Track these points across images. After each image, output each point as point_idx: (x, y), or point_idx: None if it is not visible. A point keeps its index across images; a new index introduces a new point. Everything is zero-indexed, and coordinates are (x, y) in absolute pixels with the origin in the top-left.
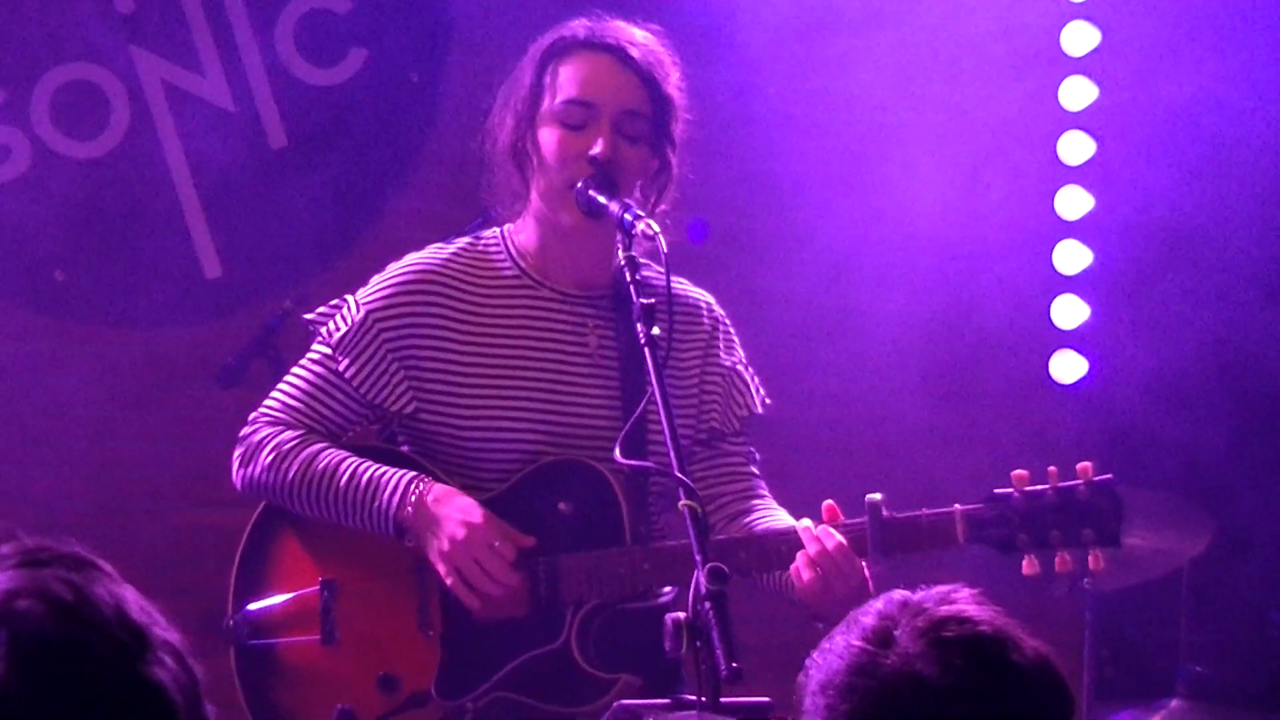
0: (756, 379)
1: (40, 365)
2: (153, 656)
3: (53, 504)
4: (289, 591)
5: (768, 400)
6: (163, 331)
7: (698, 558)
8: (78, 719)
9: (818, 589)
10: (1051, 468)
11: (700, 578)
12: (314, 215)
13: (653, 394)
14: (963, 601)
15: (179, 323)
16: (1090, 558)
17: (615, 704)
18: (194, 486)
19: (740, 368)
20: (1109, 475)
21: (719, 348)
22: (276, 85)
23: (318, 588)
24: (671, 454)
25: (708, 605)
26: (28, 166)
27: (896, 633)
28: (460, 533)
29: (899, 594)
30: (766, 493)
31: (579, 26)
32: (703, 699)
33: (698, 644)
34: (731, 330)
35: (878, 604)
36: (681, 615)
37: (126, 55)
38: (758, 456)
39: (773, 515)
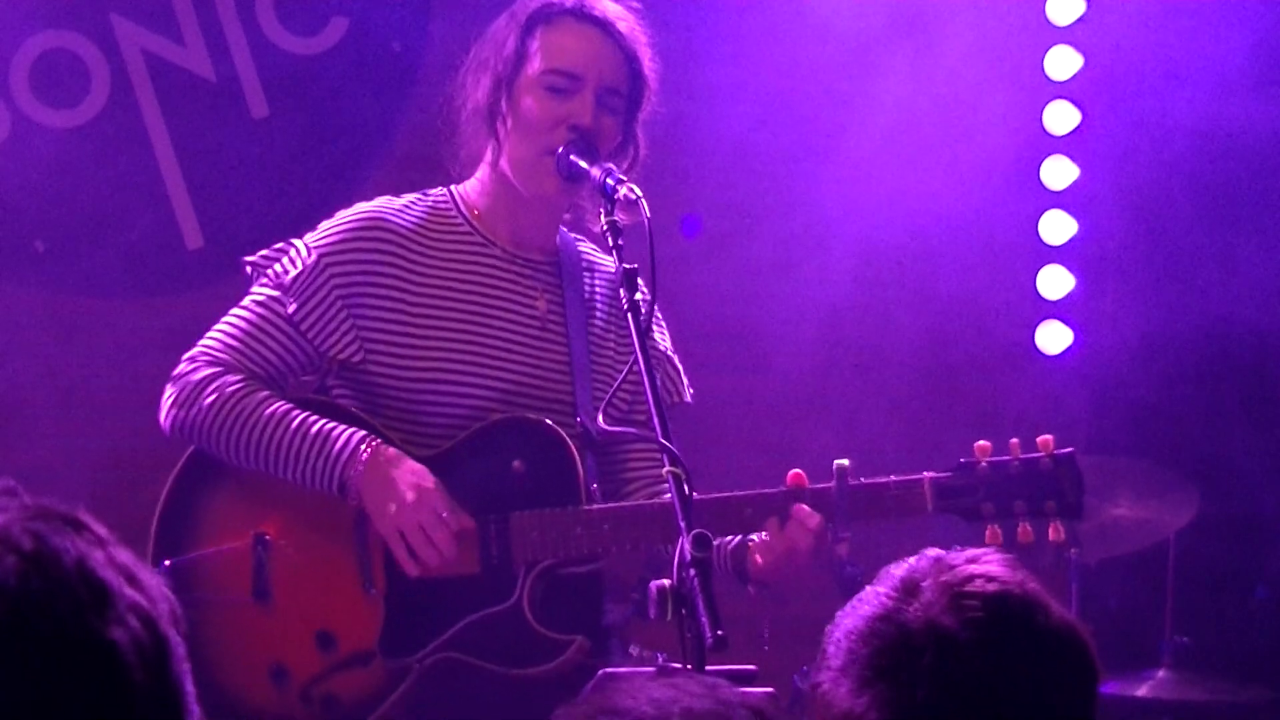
0: (681, 368)
1: (19, 335)
2: (112, 614)
3: (31, 476)
4: (217, 545)
5: (692, 390)
6: (144, 302)
7: (681, 524)
8: (22, 667)
9: (780, 559)
10: (1013, 440)
11: (685, 544)
12: (295, 185)
13: (634, 360)
14: (992, 563)
15: (160, 293)
16: (1051, 528)
17: (600, 671)
18: (173, 458)
19: (671, 354)
20: (1070, 449)
21: (653, 331)
22: (258, 54)
23: (249, 542)
24: (655, 420)
25: (692, 572)
26: (7, 136)
27: (924, 584)
28: (409, 496)
29: (932, 551)
30: None
31: None
32: (688, 667)
33: (682, 611)
34: (660, 316)
35: (910, 559)
36: (666, 582)
37: (106, 24)
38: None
39: None
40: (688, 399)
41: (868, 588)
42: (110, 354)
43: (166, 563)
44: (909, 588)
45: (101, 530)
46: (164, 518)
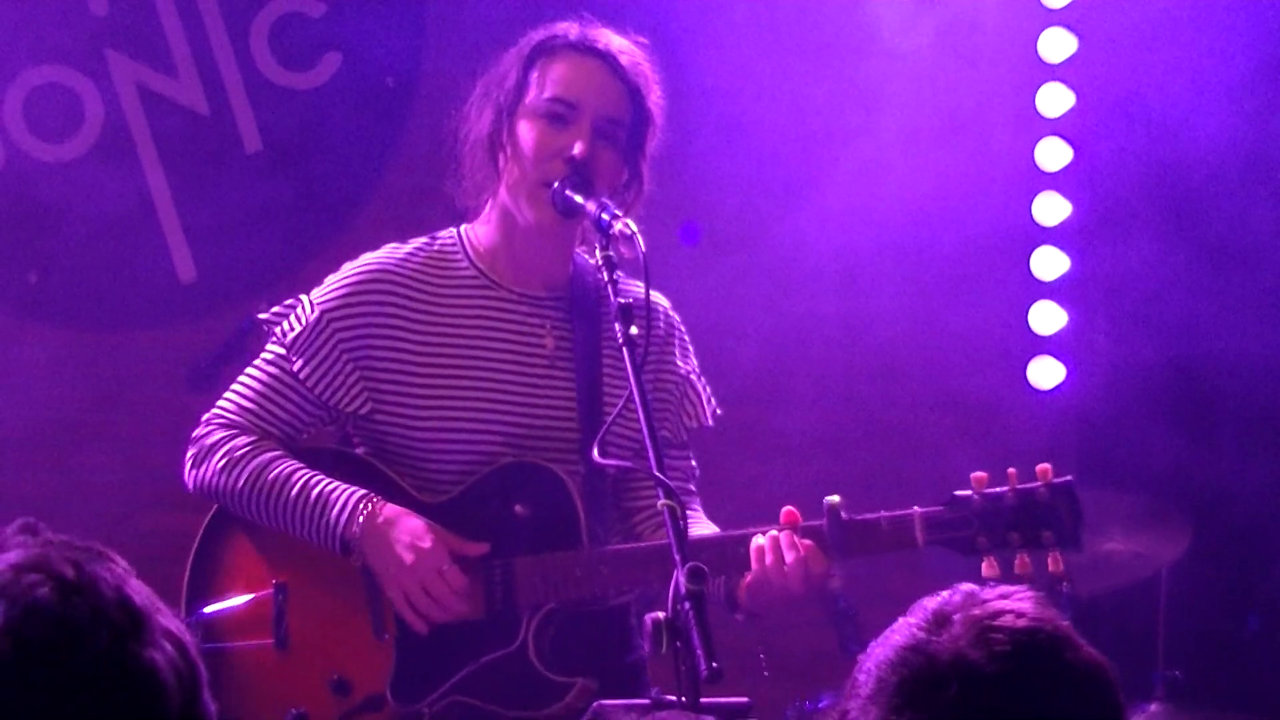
0: (709, 389)
1: (12, 367)
2: (149, 639)
3: (23, 506)
4: (242, 593)
5: (718, 411)
6: (137, 335)
7: (676, 557)
8: (67, 691)
9: (775, 589)
10: (1011, 469)
11: (680, 577)
12: (288, 219)
13: (630, 394)
14: (1024, 600)
15: (153, 326)
16: (1049, 559)
17: (594, 704)
18: (165, 490)
19: (694, 377)
20: (1069, 477)
21: (674, 353)
22: (251, 89)
23: (271, 590)
24: (650, 453)
25: (687, 605)
26: (1, 169)
27: (954, 617)
28: (408, 557)
29: (966, 586)
30: (699, 508)
31: (570, 28)
32: (682, 699)
33: (677, 644)
34: (687, 337)
35: (944, 593)
36: (660, 615)
37: (101, 58)
38: (697, 472)
39: (702, 527)
40: (709, 422)
41: (900, 619)
42: (104, 386)
43: (203, 612)
44: (940, 620)
45: (120, 560)
46: (195, 567)
